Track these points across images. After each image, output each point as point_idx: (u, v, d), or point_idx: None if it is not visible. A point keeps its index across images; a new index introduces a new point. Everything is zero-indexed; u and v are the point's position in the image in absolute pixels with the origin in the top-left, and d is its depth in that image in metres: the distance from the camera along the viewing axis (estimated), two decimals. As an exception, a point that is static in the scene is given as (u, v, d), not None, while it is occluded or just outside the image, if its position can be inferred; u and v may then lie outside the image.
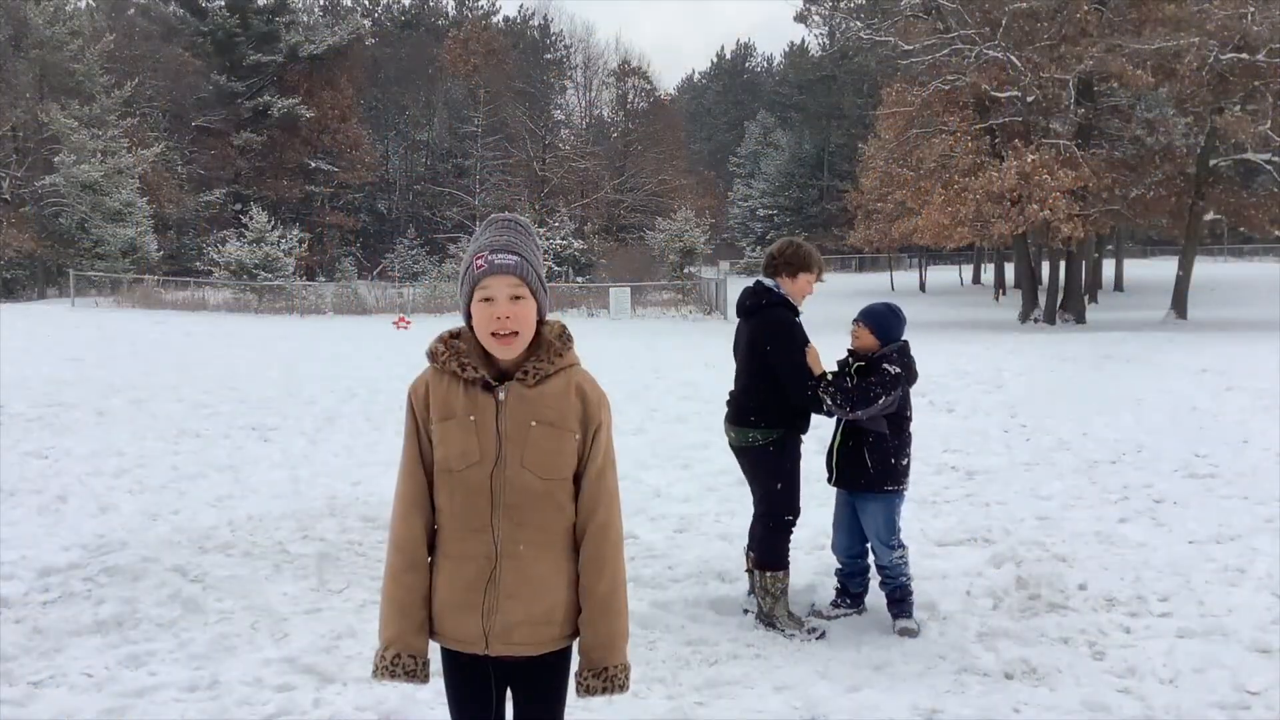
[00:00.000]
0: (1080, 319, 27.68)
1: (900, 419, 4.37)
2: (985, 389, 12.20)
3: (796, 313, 4.39)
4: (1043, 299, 28.69)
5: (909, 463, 4.44)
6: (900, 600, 4.39)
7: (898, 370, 4.23)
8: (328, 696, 3.68)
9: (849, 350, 4.50)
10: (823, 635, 4.32)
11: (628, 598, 2.21)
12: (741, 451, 4.46)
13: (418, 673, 2.11)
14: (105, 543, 5.44)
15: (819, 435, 4.76)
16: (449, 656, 2.22)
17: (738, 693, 3.76)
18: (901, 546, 4.41)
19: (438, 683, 2.27)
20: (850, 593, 4.60)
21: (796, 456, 4.41)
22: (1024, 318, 28.65)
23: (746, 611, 4.50)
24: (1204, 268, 39.29)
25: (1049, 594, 4.73)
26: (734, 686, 3.81)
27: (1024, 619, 4.46)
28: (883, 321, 4.36)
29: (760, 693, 3.75)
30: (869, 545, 4.50)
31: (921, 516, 6.28)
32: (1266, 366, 13.54)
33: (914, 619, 4.37)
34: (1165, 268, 39.13)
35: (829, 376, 4.29)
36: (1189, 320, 26.30)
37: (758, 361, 4.32)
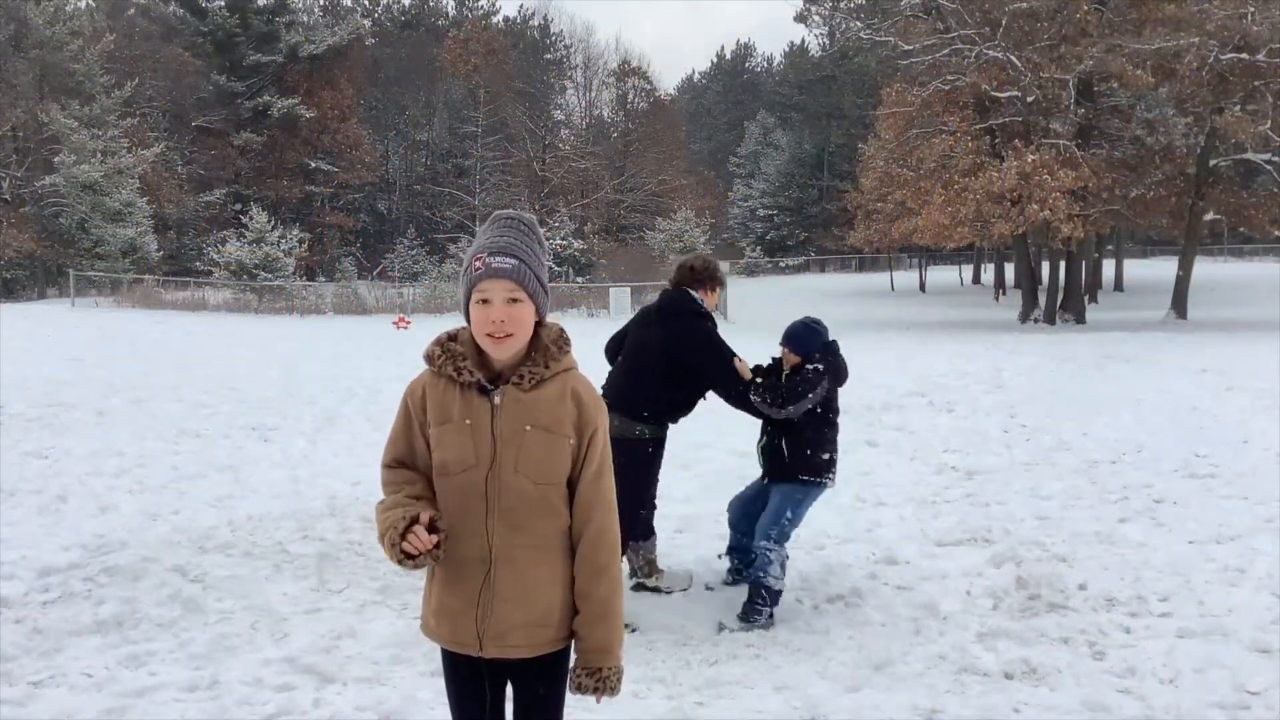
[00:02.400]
0: (1080, 319, 27.68)
1: (820, 415, 4.49)
2: (985, 389, 12.20)
3: (715, 323, 4.69)
4: (1043, 299, 28.68)
5: (831, 458, 4.54)
6: (750, 598, 4.45)
7: (821, 368, 4.44)
8: (328, 696, 3.68)
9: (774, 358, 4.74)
10: (686, 589, 4.81)
11: (623, 601, 2.21)
12: (622, 442, 4.54)
13: (418, 518, 2.03)
14: (105, 543, 5.44)
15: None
16: (448, 657, 2.23)
17: (738, 693, 3.76)
18: (779, 545, 4.47)
19: (438, 683, 2.28)
20: (744, 565, 4.80)
21: (662, 452, 4.77)
22: (1024, 318, 28.65)
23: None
24: (1204, 268, 39.27)
25: (1049, 594, 4.73)
26: (734, 686, 3.81)
27: (1024, 619, 4.46)
28: (799, 340, 4.56)
29: (760, 693, 3.76)
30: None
31: (921, 516, 6.28)
32: (1266, 366, 13.54)
33: (753, 624, 4.38)
34: (1165, 268, 39.12)
35: (758, 381, 4.51)
36: (1189, 320, 26.29)
37: (674, 366, 4.55)
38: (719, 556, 5.17)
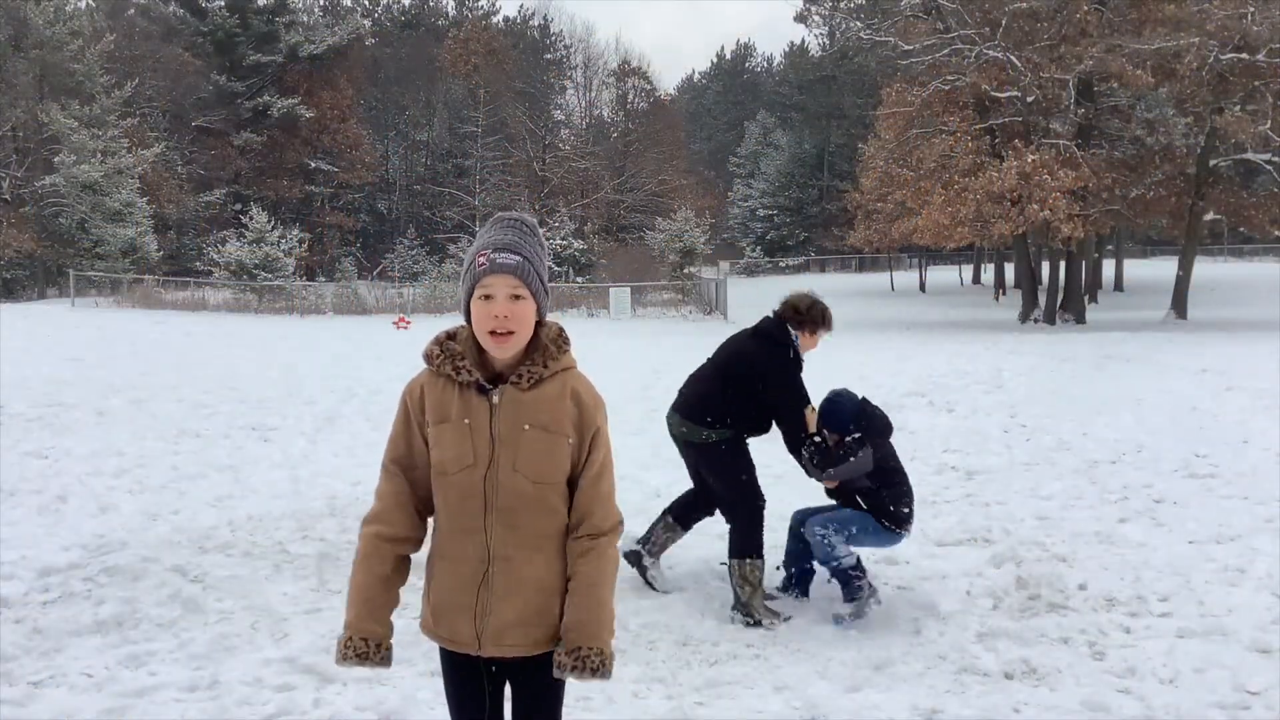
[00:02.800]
0: (1080, 319, 27.68)
1: (885, 470, 4.53)
2: (985, 389, 12.19)
3: (800, 366, 4.66)
4: (1043, 299, 28.69)
5: (910, 511, 4.58)
6: (843, 584, 4.51)
7: (859, 435, 4.46)
8: (328, 696, 3.68)
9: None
10: (788, 618, 4.49)
11: (615, 598, 2.18)
12: (693, 446, 4.69)
13: (369, 655, 2.16)
14: (105, 543, 5.44)
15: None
16: (446, 656, 2.23)
17: (738, 693, 3.76)
18: (835, 535, 4.49)
19: (438, 683, 2.28)
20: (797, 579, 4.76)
21: (748, 449, 4.69)
22: (1024, 318, 28.66)
23: (734, 615, 4.51)
24: (1204, 268, 39.28)
25: (1049, 594, 4.73)
26: (734, 686, 3.81)
27: (1024, 619, 4.46)
28: (828, 420, 4.56)
29: (760, 693, 3.76)
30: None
31: (921, 516, 6.26)
32: (1266, 366, 13.54)
33: (861, 599, 4.45)
34: (1165, 268, 39.12)
35: (815, 438, 4.52)
36: (1189, 320, 26.30)
37: (748, 387, 4.57)
38: (776, 568, 4.87)
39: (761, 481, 4.72)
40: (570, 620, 2.11)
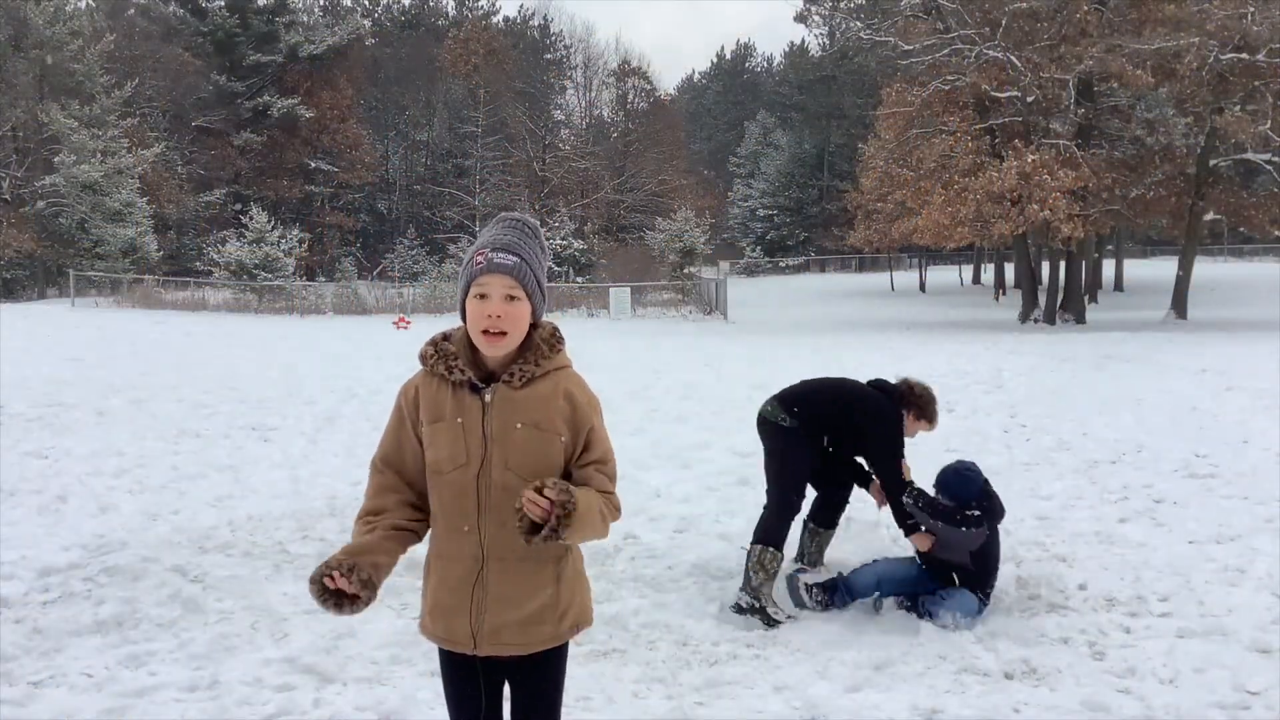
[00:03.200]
0: (1080, 319, 27.68)
1: (989, 556, 4.55)
2: (985, 389, 12.20)
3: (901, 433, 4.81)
4: (1043, 299, 28.69)
5: (991, 588, 4.59)
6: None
7: (978, 513, 4.47)
8: (328, 696, 3.68)
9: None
10: (791, 617, 4.52)
11: (605, 519, 2.14)
12: (773, 427, 4.80)
13: (339, 568, 2.01)
14: (105, 543, 5.44)
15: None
16: (444, 656, 2.23)
17: (738, 693, 3.76)
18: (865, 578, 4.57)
19: (437, 683, 2.28)
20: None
21: (814, 454, 4.83)
22: (1024, 318, 28.65)
23: (739, 609, 4.52)
24: (1204, 268, 39.28)
25: (1049, 594, 4.72)
26: (734, 686, 3.81)
27: (1024, 619, 4.46)
28: (951, 487, 4.57)
29: (760, 693, 3.75)
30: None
31: (921, 516, 6.27)
32: (1266, 366, 13.54)
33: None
34: (1165, 268, 39.12)
35: (914, 485, 4.65)
36: (1189, 320, 26.30)
37: (849, 418, 4.77)
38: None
39: (761, 480, 4.73)
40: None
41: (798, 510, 4.73)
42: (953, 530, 4.44)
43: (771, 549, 4.55)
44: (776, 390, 5.03)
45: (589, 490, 2.10)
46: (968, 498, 4.51)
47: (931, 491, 4.62)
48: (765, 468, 4.88)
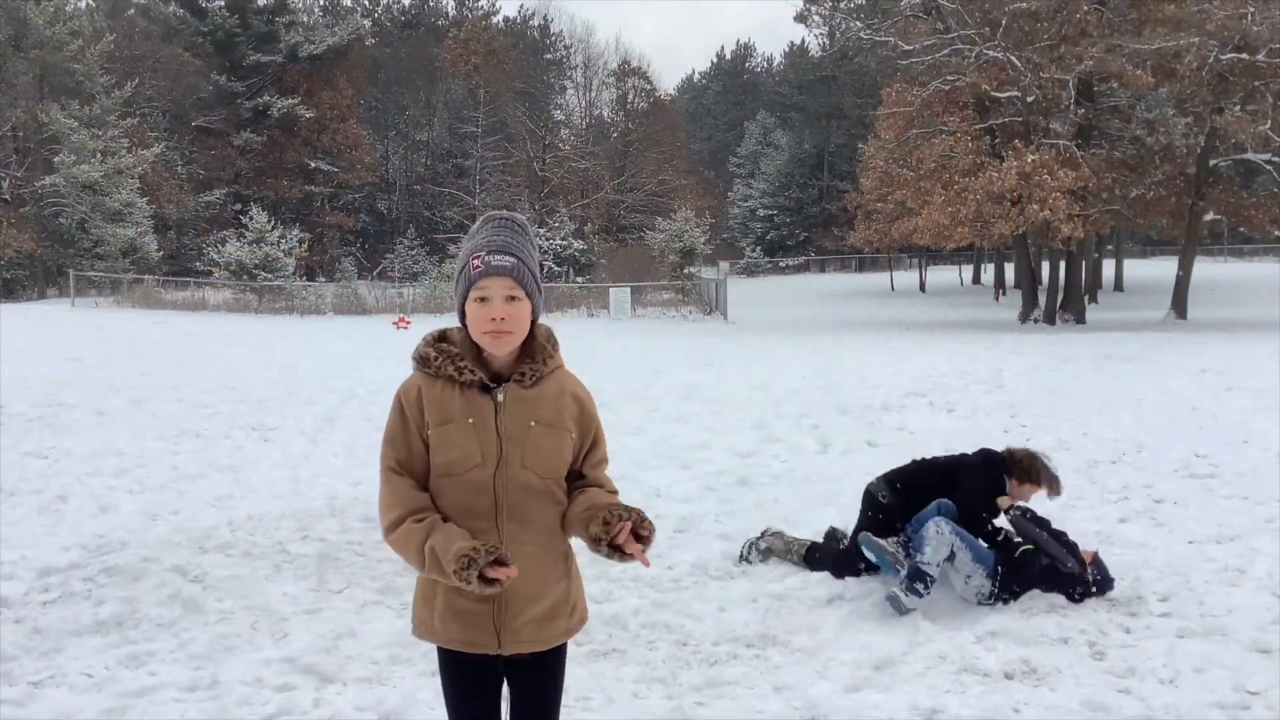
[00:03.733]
0: (1080, 319, 27.68)
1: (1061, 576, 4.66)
2: (985, 389, 12.19)
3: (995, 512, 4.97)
4: (1043, 299, 28.68)
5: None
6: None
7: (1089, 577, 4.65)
8: (328, 696, 3.68)
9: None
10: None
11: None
12: (871, 498, 5.22)
13: (478, 558, 1.95)
14: (105, 543, 5.43)
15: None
16: (453, 658, 2.20)
17: (738, 693, 3.76)
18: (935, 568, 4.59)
19: (438, 683, 2.27)
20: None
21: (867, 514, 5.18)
22: (1024, 318, 28.65)
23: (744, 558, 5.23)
24: (1204, 268, 39.27)
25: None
26: (734, 686, 3.81)
27: (1024, 619, 4.45)
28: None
29: (760, 693, 3.76)
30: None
31: (921, 516, 6.27)
32: (1266, 366, 13.53)
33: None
34: (1165, 268, 39.12)
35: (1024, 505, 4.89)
36: (1189, 320, 26.30)
37: (951, 490, 5.01)
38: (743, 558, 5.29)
39: (760, 480, 4.76)
40: (599, 499, 2.15)
41: (847, 556, 5.01)
42: (1051, 543, 4.60)
43: (808, 556, 5.03)
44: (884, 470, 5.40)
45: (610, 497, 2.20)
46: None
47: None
48: (857, 523, 5.18)
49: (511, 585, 2.07)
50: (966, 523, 4.79)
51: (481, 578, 1.94)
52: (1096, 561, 4.67)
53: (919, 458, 5.45)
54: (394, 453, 2.15)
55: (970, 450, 5.37)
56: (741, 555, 5.29)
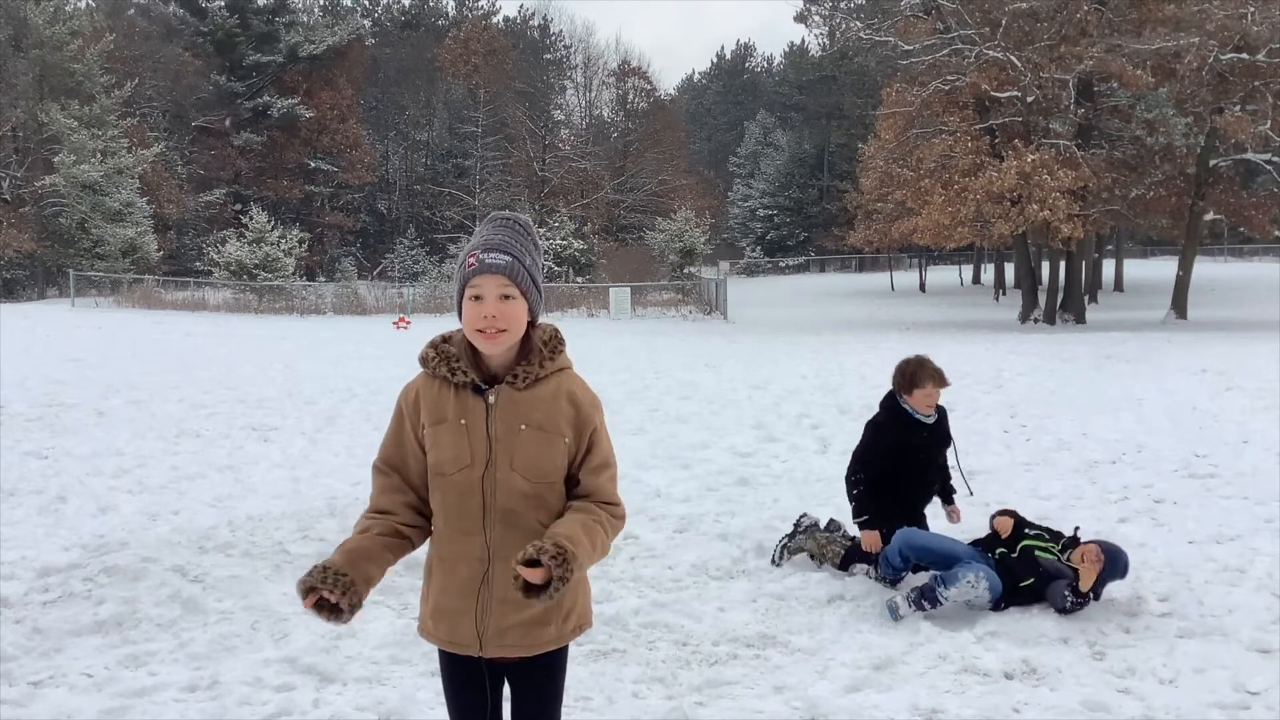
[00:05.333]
0: (1080, 319, 27.68)
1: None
2: (985, 389, 12.19)
3: (884, 419, 5.32)
4: (1043, 299, 28.68)
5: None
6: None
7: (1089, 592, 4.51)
8: (328, 696, 3.68)
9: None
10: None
11: (600, 549, 2.10)
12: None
13: (324, 579, 1.98)
14: (105, 543, 5.44)
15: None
16: (445, 658, 2.23)
17: (738, 693, 3.76)
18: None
19: (437, 683, 2.28)
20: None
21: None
22: (1024, 318, 28.65)
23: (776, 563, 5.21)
24: (1204, 268, 39.24)
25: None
26: (734, 686, 3.81)
27: (1024, 619, 4.45)
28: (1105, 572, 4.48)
29: (760, 693, 3.75)
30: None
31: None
32: (1266, 366, 13.53)
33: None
34: (1165, 268, 39.11)
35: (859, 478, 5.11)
36: (1189, 320, 26.29)
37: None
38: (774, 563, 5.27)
39: (760, 480, 4.75)
40: (557, 529, 2.02)
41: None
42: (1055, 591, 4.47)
43: (850, 566, 5.03)
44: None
45: (586, 521, 2.06)
46: (1118, 575, 4.51)
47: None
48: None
49: (496, 589, 2.09)
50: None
51: (318, 606, 2.00)
52: (1103, 559, 4.48)
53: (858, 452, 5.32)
54: (383, 450, 2.21)
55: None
56: (774, 560, 5.24)
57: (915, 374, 5.15)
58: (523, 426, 2.09)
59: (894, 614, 4.44)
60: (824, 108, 63.11)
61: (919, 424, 5.16)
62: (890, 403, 5.27)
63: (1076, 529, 4.81)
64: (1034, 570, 4.51)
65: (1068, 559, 4.53)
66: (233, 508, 6.44)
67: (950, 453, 5.35)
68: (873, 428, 5.28)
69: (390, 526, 2.15)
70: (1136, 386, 12.14)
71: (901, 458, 5.11)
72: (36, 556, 5.13)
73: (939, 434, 5.25)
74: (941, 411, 5.32)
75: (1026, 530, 4.75)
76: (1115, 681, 3.80)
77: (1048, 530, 4.82)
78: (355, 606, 2.03)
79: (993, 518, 4.89)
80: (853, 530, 5.20)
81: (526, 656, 2.16)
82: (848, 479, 5.17)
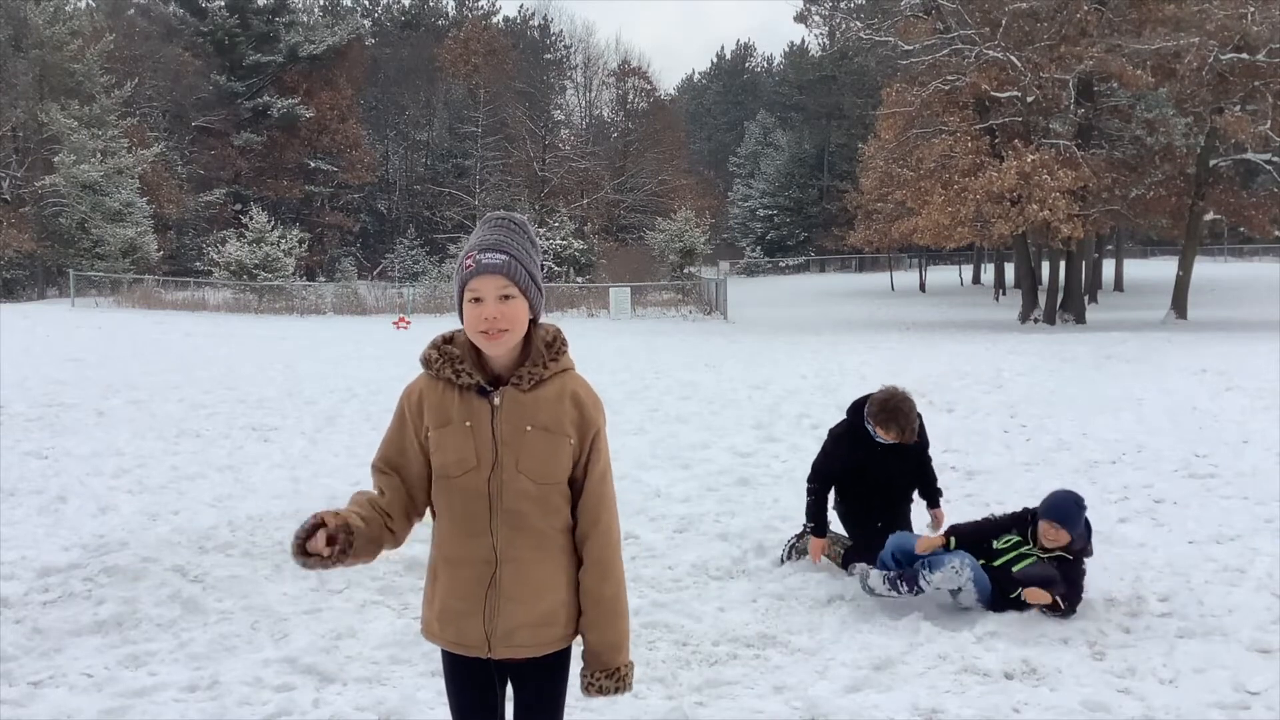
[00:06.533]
0: (1080, 319, 27.67)
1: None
2: (985, 389, 12.20)
3: (840, 432, 5.29)
4: (1043, 299, 28.68)
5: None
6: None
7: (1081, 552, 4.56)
8: (328, 696, 3.68)
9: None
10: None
11: (628, 597, 2.23)
12: None
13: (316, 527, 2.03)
14: (105, 543, 5.44)
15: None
16: (450, 660, 2.22)
17: (738, 693, 3.76)
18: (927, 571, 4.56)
19: (438, 683, 2.28)
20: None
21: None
22: (1024, 318, 28.64)
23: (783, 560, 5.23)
24: (1204, 268, 39.23)
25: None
26: (734, 686, 3.81)
27: (1024, 619, 4.45)
28: (1072, 520, 4.50)
29: (760, 693, 3.75)
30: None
31: (922, 516, 6.26)
32: (1266, 366, 13.53)
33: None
34: (1165, 268, 39.10)
35: (812, 486, 5.17)
36: (1189, 320, 26.29)
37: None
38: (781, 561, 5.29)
39: (760, 480, 4.75)
40: (600, 643, 2.18)
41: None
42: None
43: (850, 566, 5.00)
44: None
45: (601, 598, 2.17)
46: (1079, 530, 4.49)
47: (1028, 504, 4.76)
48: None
49: (503, 590, 2.10)
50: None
51: (303, 551, 2.01)
52: (1054, 582, 4.45)
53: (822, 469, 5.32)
54: (383, 450, 2.21)
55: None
56: (783, 559, 5.27)
57: (887, 419, 4.98)
58: (528, 428, 2.09)
59: (864, 583, 4.55)
60: (824, 108, 63.09)
61: (877, 444, 5.08)
62: (855, 416, 5.18)
63: (1025, 509, 4.77)
64: (1015, 585, 4.48)
65: (1030, 562, 4.51)
66: (233, 508, 6.43)
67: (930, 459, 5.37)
68: (832, 439, 5.27)
69: (382, 506, 2.16)
70: (1136, 386, 12.14)
71: (860, 471, 5.12)
72: (36, 556, 5.13)
73: (903, 452, 5.11)
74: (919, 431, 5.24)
75: (994, 543, 4.64)
76: (1115, 681, 3.80)
77: (1014, 524, 4.70)
78: (344, 554, 2.08)
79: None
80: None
81: (534, 656, 2.16)
82: (807, 483, 5.23)
